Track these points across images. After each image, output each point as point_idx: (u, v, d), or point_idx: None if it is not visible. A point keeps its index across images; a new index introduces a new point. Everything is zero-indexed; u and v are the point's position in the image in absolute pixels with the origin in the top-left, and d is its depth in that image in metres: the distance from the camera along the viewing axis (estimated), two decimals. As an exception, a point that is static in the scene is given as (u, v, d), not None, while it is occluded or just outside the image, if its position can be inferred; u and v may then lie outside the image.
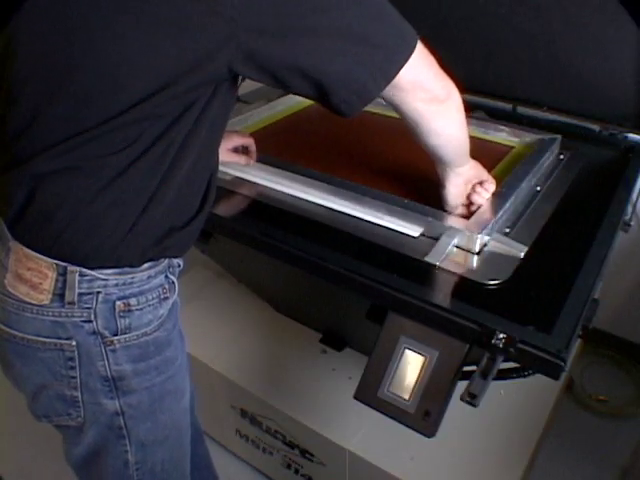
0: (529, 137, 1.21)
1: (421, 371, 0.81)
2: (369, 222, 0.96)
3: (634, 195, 1.14)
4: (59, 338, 0.72)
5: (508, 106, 1.39)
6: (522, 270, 0.86)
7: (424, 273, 0.85)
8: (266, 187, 1.05)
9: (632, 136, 1.24)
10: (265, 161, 1.07)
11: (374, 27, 0.67)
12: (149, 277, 0.76)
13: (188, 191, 0.75)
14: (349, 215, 0.97)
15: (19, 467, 1.64)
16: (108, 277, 0.71)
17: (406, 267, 0.86)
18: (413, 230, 0.93)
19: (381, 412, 0.83)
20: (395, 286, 0.82)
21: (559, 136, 1.18)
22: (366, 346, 0.90)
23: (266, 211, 1.00)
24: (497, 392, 1.30)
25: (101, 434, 0.79)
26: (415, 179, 1.08)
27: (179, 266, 0.84)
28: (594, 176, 1.14)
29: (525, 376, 0.87)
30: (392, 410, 0.82)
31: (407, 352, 0.82)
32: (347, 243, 0.92)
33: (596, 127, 1.28)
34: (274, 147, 1.19)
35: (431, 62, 0.74)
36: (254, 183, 1.07)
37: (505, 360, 0.76)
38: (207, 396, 1.49)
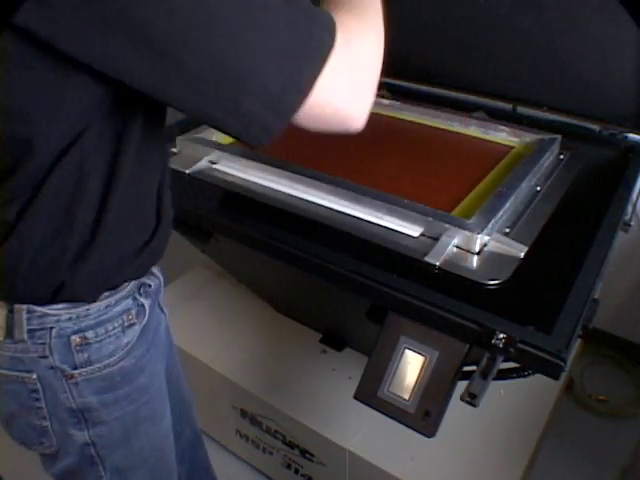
0: (529, 137, 1.21)
1: (421, 371, 0.81)
2: (369, 222, 0.96)
3: (634, 195, 1.14)
4: (20, 371, 0.69)
5: (508, 106, 1.39)
6: (522, 270, 0.86)
7: (424, 273, 0.85)
8: (266, 187, 1.05)
9: (632, 136, 1.24)
10: (265, 161, 1.07)
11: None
12: (108, 306, 0.70)
13: (126, 218, 0.66)
14: (349, 215, 0.97)
15: (19, 467, 1.64)
16: (60, 312, 0.67)
17: (406, 267, 0.86)
18: (413, 230, 0.93)
19: (381, 412, 0.83)
20: (395, 286, 0.82)
21: (559, 136, 1.18)
22: (366, 346, 0.90)
23: (266, 211, 1.00)
24: (497, 392, 1.30)
25: (74, 461, 0.77)
26: (415, 179, 1.08)
27: (150, 286, 0.77)
28: (594, 176, 1.14)
29: (525, 376, 0.87)
30: (392, 410, 0.82)
31: (407, 352, 0.83)
32: (347, 243, 0.92)
33: (596, 127, 1.28)
34: (273, 147, 1.18)
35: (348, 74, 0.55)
36: (254, 183, 1.07)
37: (505, 360, 0.77)
38: (207, 396, 1.49)
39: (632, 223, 1.17)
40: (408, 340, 0.82)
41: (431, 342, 0.81)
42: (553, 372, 0.73)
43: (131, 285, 0.73)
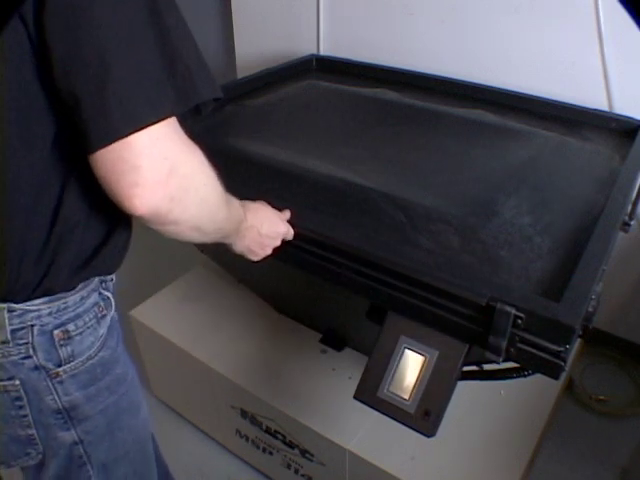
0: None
1: (421, 371, 0.81)
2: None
3: (634, 195, 1.14)
4: (1, 380, 0.68)
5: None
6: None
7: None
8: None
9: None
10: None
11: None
12: (82, 298, 0.72)
13: (93, 207, 0.68)
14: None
15: (19, 467, 1.64)
16: (40, 307, 0.67)
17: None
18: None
19: (381, 412, 0.83)
20: (395, 286, 0.82)
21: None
22: (366, 346, 0.90)
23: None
24: (497, 392, 1.30)
25: (63, 466, 0.76)
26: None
27: (112, 280, 0.79)
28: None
29: (525, 376, 0.87)
30: (392, 410, 0.82)
31: (407, 352, 0.83)
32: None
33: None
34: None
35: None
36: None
37: (505, 360, 0.77)
38: (207, 396, 1.49)
39: (632, 223, 1.17)
40: (408, 340, 0.82)
41: (431, 342, 0.81)
42: (553, 372, 0.73)
43: (96, 279, 0.74)
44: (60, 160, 0.63)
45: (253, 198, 0.87)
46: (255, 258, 0.89)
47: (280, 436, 1.35)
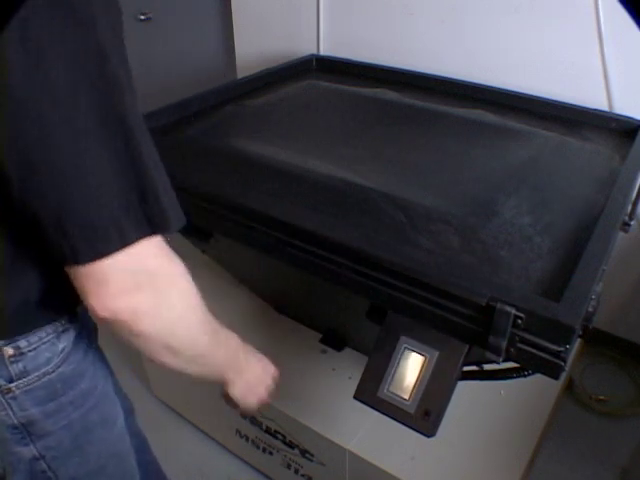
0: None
1: (421, 371, 0.81)
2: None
3: (634, 195, 1.14)
4: None
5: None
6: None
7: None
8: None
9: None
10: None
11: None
12: None
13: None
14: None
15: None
16: None
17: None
18: (413, 230, 0.92)
19: (381, 412, 0.83)
20: (395, 286, 0.82)
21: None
22: (366, 346, 0.91)
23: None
24: (497, 392, 1.30)
25: None
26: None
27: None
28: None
29: (525, 376, 0.87)
30: (392, 410, 0.82)
31: (407, 352, 0.83)
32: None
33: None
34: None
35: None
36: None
37: (505, 360, 0.77)
38: (207, 396, 1.49)
39: (632, 223, 1.17)
40: (408, 340, 0.82)
41: (431, 342, 0.81)
42: (553, 372, 0.73)
43: None
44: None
45: (253, 198, 0.86)
46: (253, 405, 0.92)
47: (280, 436, 1.35)
